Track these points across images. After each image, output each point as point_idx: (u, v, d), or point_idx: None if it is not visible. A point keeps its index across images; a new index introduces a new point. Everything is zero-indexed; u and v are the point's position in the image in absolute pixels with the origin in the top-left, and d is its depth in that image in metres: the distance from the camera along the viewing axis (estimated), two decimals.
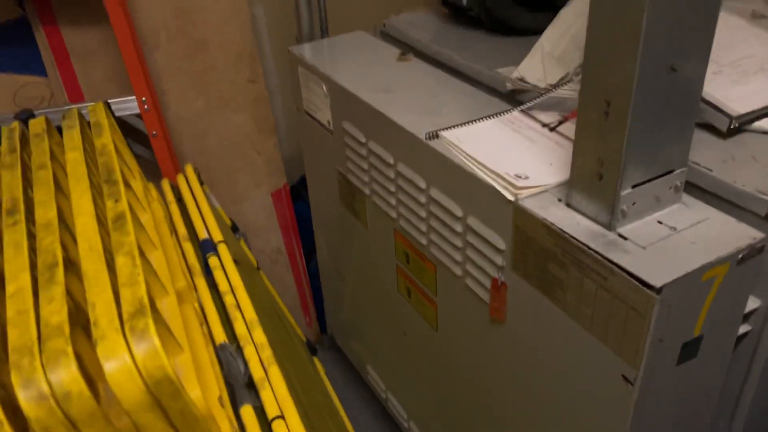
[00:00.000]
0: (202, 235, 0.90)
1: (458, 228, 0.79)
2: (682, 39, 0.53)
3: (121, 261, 0.53)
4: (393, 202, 0.93)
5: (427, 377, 1.05)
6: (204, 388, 0.59)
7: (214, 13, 1.25)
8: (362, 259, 1.14)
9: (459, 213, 0.78)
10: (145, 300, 0.48)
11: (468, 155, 0.75)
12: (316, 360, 1.38)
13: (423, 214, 0.86)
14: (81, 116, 0.78)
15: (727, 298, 0.60)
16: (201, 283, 0.81)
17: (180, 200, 1.02)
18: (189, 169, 1.07)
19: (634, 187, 0.59)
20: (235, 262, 0.87)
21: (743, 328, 0.66)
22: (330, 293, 1.42)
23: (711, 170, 0.66)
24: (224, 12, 1.24)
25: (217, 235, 0.90)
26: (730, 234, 0.59)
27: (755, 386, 0.69)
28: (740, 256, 0.57)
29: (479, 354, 0.85)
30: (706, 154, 0.69)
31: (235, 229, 1.23)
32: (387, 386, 1.24)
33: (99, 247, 0.54)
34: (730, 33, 0.84)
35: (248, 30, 1.28)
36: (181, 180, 1.05)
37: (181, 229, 0.89)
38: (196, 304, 0.75)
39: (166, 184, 1.03)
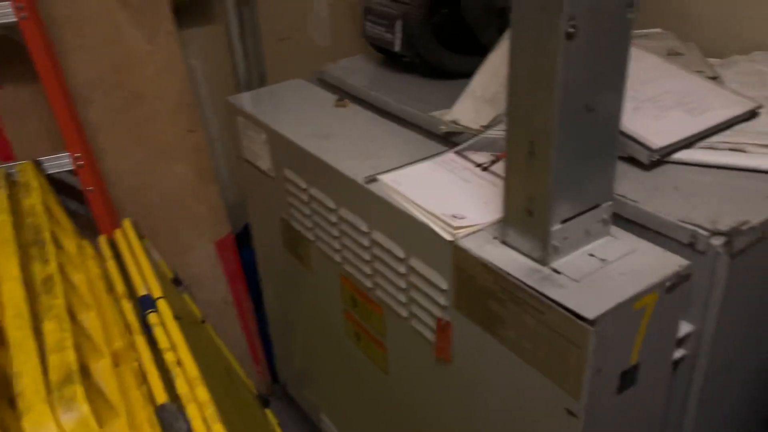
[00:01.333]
0: (141, 291, 0.88)
1: (401, 269, 0.80)
2: (595, 80, 0.56)
3: (49, 326, 0.51)
4: (337, 246, 0.93)
5: (381, 422, 1.03)
6: None
7: (150, 66, 1.24)
8: (310, 305, 1.13)
9: (401, 254, 0.79)
10: (74, 366, 0.46)
11: (406, 197, 0.76)
12: (268, 412, 1.35)
13: (367, 257, 0.86)
14: (8, 177, 0.76)
15: (659, 325, 0.62)
16: (140, 341, 0.79)
17: (118, 256, 0.99)
18: (127, 224, 1.05)
19: (563, 222, 0.61)
20: (177, 318, 0.85)
21: (679, 353, 0.68)
22: (280, 341, 1.40)
23: (636, 201, 0.69)
24: (160, 64, 1.24)
25: (157, 291, 0.88)
26: (657, 263, 0.61)
27: (695, 409, 0.71)
28: (668, 284, 0.60)
29: (430, 395, 0.85)
30: (631, 186, 0.72)
31: (177, 282, 1.20)
32: None
33: (25, 313, 0.52)
34: (648, 70, 0.89)
35: (185, 81, 1.28)
36: (118, 235, 1.03)
37: (119, 287, 0.87)
38: (135, 364, 0.73)
39: (103, 241, 1.01)
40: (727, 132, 0.78)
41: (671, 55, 0.99)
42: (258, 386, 1.51)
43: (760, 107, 0.81)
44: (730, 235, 0.62)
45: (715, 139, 0.77)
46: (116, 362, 0.70)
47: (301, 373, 1.34)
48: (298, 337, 1.26)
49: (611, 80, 0.57)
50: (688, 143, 0.76)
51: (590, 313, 0.56)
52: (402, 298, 0.82)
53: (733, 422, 0.81)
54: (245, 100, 1.10)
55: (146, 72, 1.24)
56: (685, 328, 0.67)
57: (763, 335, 0.76)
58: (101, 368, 0.59)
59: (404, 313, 0.83)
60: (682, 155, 0.75)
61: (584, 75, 0.55)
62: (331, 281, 1.00)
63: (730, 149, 0.75)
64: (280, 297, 1.28)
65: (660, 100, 0.82)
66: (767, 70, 0.94)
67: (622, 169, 0.74)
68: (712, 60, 0.99)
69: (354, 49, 1.40)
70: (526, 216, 0.62)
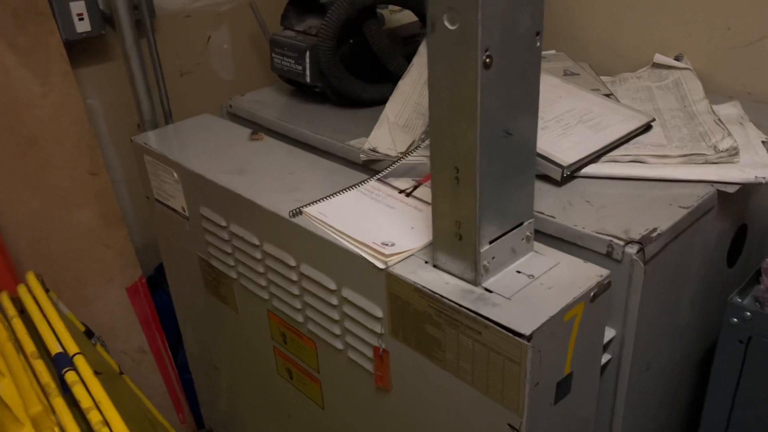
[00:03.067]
0: (55, 349, 0.82)
1: (334, 301, 0.79)
2: (511, 106, 0.59)
3: None
4: (263, 282, 0.91)
5: None
6: None
7: (44, 108, 1.17)
8: (236, 346, 1.10)
9: (332, 286, 0.78)
10: None
11: (334, 228, 0.76)
12: None
13: (296, 291, 0.85)
14: None
15: (587, 334, 0.65)
16: (59, 404, 0.73)
17: (23, 312, 0.92)
18: (31, 277, 0.98)
19: (491, 242, 0.63)
20: (96, 373, 0.80)
21: (605, 358, 0.72)
22: (203, 386, 1.34)
23: (554, 217, 0.72)
24: (55, 106, 1.18)
25: (72, 347, 0.82)
26: (580, 275, 0.64)
27: (623, 409, 0.75)
28: (592, 293, 0.63)
29: (369, 426, 0.84)
30: (546, 202, 0.75)
31: (90, 334, 1.13)
32: None
33: None
34: (549, 91, 0.94)
35: (84, 122, 1.22)
36: (22, 291, 0.96)
37: (29, 347, 0.81)
38: (56, 429, 0.67)
39: (5, 298, 0.93)
40: (627, 145, 0.84)
41: (567, 75, 1.05)
42: None
43: (652, 120, 0.87)
44: (643, 242, 0.66)
45: (617, 152, 0.83)
46: (36, 429, 0.65)
47: (228, 416, 1.29)
48: (224, 378, 1.21)
49: (526, 104, 0.60)
50: (594, 158, 0.81)
51: (526, 329, 0.58)
52: (336, 330, 0.81)
53: (657, 418, 0.86)
54: (152, 138, 1.06)
55: (40, 115, 1.17)
56: (608, 333, 0.71)
57: (676, 331, 0.81)
58: None
59: (339, 345, 0.82)
60: (589, 170, 0.80)
61: (501, 101, 0.57)
62: (258, 319, 0.97)
63: (632, 161, 0.81)
64: (201, 340, 1.23)
65: (564, 119, 0.87)
66: (653, 86, 1.02)
67: (537, 186, 0.78)
68: (603, 78, 1.06)
69: (259, 82, 1.39)
70: (455, 240, 0.64)
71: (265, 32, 1.24)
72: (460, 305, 0.62)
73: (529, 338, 0.57)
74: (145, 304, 1.38)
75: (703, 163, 0.79)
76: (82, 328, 1.13)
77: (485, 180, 0.59)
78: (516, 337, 0.58)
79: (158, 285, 1.42)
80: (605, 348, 0.71)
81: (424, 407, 0.73)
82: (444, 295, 0.64)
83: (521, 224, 0.66)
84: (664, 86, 1.02)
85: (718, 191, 0.76)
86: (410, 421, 0.76)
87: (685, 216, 0.71)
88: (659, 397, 0.84)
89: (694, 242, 0.76)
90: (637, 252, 0.66)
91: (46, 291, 1.00)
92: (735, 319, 0.76)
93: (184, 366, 1.38)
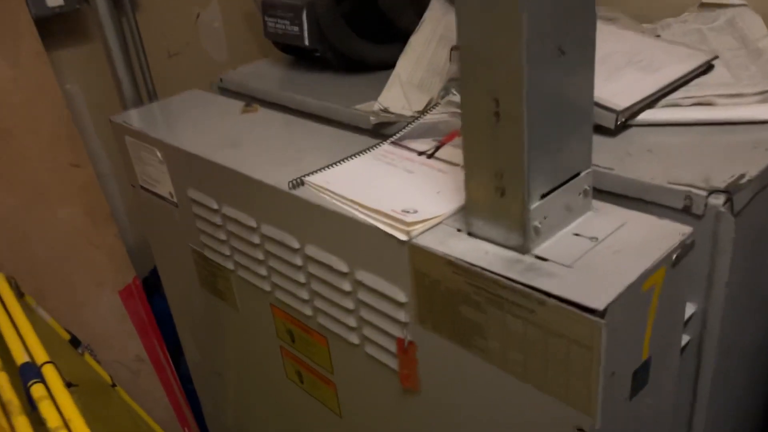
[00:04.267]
0: (21, 359, 0.69)
1: (346, 287, 0.66)
2: (565, 16, 0.46)
3: None
4: (264, 272, 0.78)
5: None
6: None
7: (16, 96, 1.05)
8: (238, 349, 0.97)
9: (344, 269, 0.65)
10: None
11: (342, 198, 0.63)
12: None
13: (302, 279, 0.72)
14: None
15: (667, 308, 0.51)
16: (21, 423, 0.61)
17: None
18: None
19: (542, 197, 0.50)
20: (70, 385, 0.67)
21: (684, 339, 0.58)
22: (207, 396, 1.21)
23: (612, 169, 0.59)
24: (28, 91, 1.06)
25: (41, 356, 0.70)
26: (656, 234, 0.51)
27: (706, 402, 0.61)
28: (674, 256, 0.49)
29: None
30: (600, 155, 0.62)
31: (75, 342, 1.01)
32: None
33: None
34: None
35: (62, 109, 1.10)
36: None
37: None
38: None
39: None
40: (687, 87, 0.70)
41: (603, 20, 0.92)
42: None
43: (714, 58, 0.74)
44: (730, 191, 0.53)
45: (676, 96, 0.69)
46: None
47: (236, 428, 1.16)
48: (229, 387, 1.08)
49: (581, 15, 0.47)
50: (650, 102, 0.68)
51: (598, 303, 0.44)
52: (351, 321, 0.68)
53: (738, 411, 0.72)
54: (133, 117, 0.93)
55: (11, 101, 1.05)
56: (689, 309, 0.57)
57: (762, 305, 0.67)
58: None
59: (355, 339, 0.69)
60: (647, 116, 0.67)
61: (551, 7, 0.44)
62: (261, 315, 0.84)
63: (696, 104, 0.67)
64: (202, 345, 1.10)
65: (609, 61, 0.74)
66: (704, 28, 0.88)
67: None
68: (644, 25, 0.93)
69: (252, 55, 1.26)
70: (496, 196, 0.50)
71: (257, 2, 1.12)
72: (507, 278, 0.49)
73: (602, 314, 0.44)
74: (141, 309, 1.25)
75: None
76: (67, 336, 1.01)
77: (533, 114, 0.46)
78: (585, 314, 0.44)
79: (155, 288, 1.30)
80: (686, 326, 0.58)
81: (462, 411, 0.60)
82: (485, 266, 0.50)
83: (578, 175, 0.52)
84: (716, 27, 0.88)
85: None
86: (445, 428, 0.63)
87: None
88: (741, 385, 0.71)
89: None
90: (725, 202, 0.52)
91: (20, 295, 0.88)
92: None
93: (188, 376, 1.25)
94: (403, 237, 0.56)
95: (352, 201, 0.61)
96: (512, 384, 0.53)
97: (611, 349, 0.45)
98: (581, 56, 0.48)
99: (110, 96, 1.19)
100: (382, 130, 0.78)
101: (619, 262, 0.48)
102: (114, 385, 1.07)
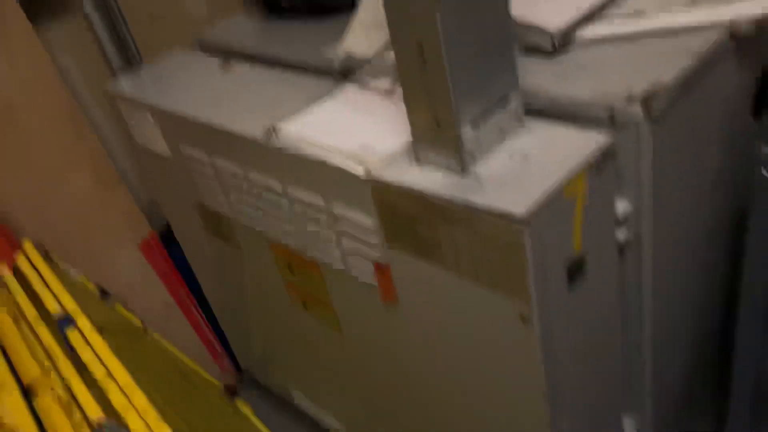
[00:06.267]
0: (55, 311, 0.80)
1: (326, 219, 0.74)
2: None
3: None
4: (257, 215, 0.87)
5: (348, 382, 0.99)
6: None
7: (13, 77, 1.12)
8: (250, 285, 1.07)
9: (321, 204, 0.73)
10: None
11: (312, 142, 0.70)
12: (239, 403, 1.29)
13: (290, 217, 0.81)
14: None
15: (596, 210, 0.59)
16: (64, 364, 0.72)
17: (24, 281, 0.90)
18: (28, 247, 0.96)
19: (473, 124, 0.57)
20: (100, 329, 0.78)
21: (623, 237, 0.65)
22: (232, 330, 1.33)
23: (546, 89, 0.65)
24: (25, 72, 1.12)
25: (74, 308, 0.80)
26: (578, 145, 0.58)
27: (650, 295, 0.69)
28: (594, 163, 0.56)
29: (386, 341, 0.81)
30: (537, 76, 0.68)
31: (105, 294, 1.12)
32: (316, 405, 1.18)
33: None
34: None
35: (58, 84, 1.17)
36: (22, 261, 0.94)
37: (30, 312, 0.79)
38: (59, 390, 0.66)
39: (4, 269, 0.91)
40: (619, 1, 0.74)
41: None
42: (225, 380, 1.45)
43: None
44: (646, 98, 0.59)
45: (612, 10, 0.73)
46: (34, 393, 0.63)
47: (261, 355, 1.28)
48: (249, 320, 1.20)
49: None
50: (585, 20, 0.72)
51: (520, 210, 0.52)
52: (335, 250, 0.77)
53: (695, 294, 0.80)
54: (124, 83, 1.01)
55: (10, 82, 1.12)
56: (624, 208, 0.64)
57: (703, 198, 0.74)
58: (9, 404, 0.52)
59: (341, 265, 0.78)
60: (582, 33, 0.72)
61: None
62: (262, 254, 0.94)
63: (629, 16, 0.72)
64: (218, 285, 1.21)
65: None
66: None
67: (525, 60, 0.70)
68: None
69: (229, 8, 1.30)
70: (434, 127, 0.57)
71: None
72: (448, 198, 0.56)
73: (524, 219, 0.51)
74: (162, 260, 1.36)
75: (714, 3, 0.69)
76: (96, 291, 1.11)
77: (454, 48, 0.52)
78: (511, 221, 0.52)
79: (173, 240, 1.40)
80: (622, 224, 0.65)
81: (434, 314, 0.69)
82: (430, 191, 0.58)
83: (506, 98, 0.59)
84: None
85: (733, 32, 0.67)
86: (423, 330, 0.72)
87: (693, 65, 0.63)
88: (691, 273, 0.78)
89: (710, 95, 0.68)
90: (642, 110, 0.58)
91: (50, 259, 0.98)
92: (766, 171, 0.69)
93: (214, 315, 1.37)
94: (361, 172, 0.64)
95: (318, 144, 0.69)
96: (468, 287, 0.61)
97: (537, 248, 0.53)
98: None
99: (102, 64, 1.26)
100: (348, 74, 0.84)
101: (542, 173, 0.55)
102: (146, 329, 1.18)
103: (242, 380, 1.51)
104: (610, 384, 0.74)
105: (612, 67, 0.65)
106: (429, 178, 0.60)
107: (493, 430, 0.72)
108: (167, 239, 1.40)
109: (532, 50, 0.72)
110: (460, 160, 0.57)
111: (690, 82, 0.63)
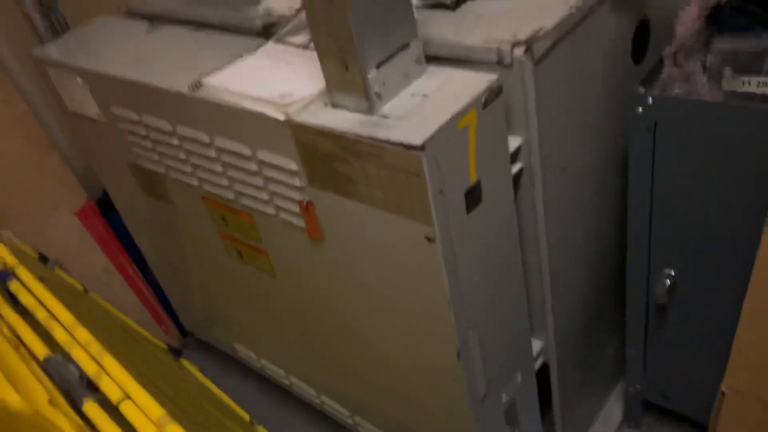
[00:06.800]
0: None
1: (253, 167, 0.80)
2: None
3: None
4: (188, 169, 0.92)
5: (285, 326, 1.06)
6: (31, 397, 0.56)
7: None
8: (185, 241, 1.12)
9: (248, 152, 0.79)
10: None
11: (234, 93, 0.75)
12: (184, 362, 1.34)
13: (219, 168, 0.86)
14: None
15: (488, 142, 0.67)
16: (7, 310, 0.76)
17: None
18: None
19: (379, 67, 0.63)
20: (41, 279, 0.82)
21: (516, 167, 0.74)
22: (174, 293, 1.38)
23: (446, 38, 0.72)
24: None
25: (14, 263, 0.84)
26: (471, 84, 0.65)
27: (543, 216, 0.79)
28: (483, 99, 0.64)
29: (316, 278, 0.88)
30: (440, 26, 0.75)
31: (44, 259, 1.14)
32: (258, 355, 1.24)
33: None
34: None
35: None
36: None
37: None
38: (5, 329, 0.70)
39: None
40: None
41: None
42: (168, 343, 1.50)
43: None
44: (529, 42, 0.67)
45: None
46: None
47: (202, 314, 1.33)
48: (189, 279, 1.25)
49: None
50: None
51: (417, 140, 0.59)
52: (264, 195, 0.83)
53: (585, 224, 0.90)
54: (51, 49, 1.03)
55: None
56: (515, 141, 0.73)
57: (588, 132, 0.83)
58: None
59: (271, 210, 0.84)
60: None
61: None
62: (196, 208, 0.99)
63: None
64: (157, 246, 1.25)
65: None
66: None
67: (430, 14, 0.77)
68: None
69: None
70: (342, 71, 0.64)
71: None
72: (357, 135, 0.63)
73: (422, 147, 0.59)
74: (100, 227, 1.38)
75: None
76: (35, 254, 1.14)
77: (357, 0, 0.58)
78: (410, 150, 0.60)
79: (111, 207, 1.42)
80: (516, 157, 0.74)
81: (356, 246, 0.76)
82: (342, 129, 0.65)
83: (408, 45, 0.66)
84: None
85: None
86: (347, 260, 0.79)
87: (572, 13, 0.71)
88: (584, 202, 0.88)
89: (590, 39, 0.77)
90: (525, 53, 0.67)
91: None
92: (640, 109, 0.78)
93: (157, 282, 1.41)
94: (281, 117, 0.70)
95: (241, 94, 0.74)
96: (381, 215, 0.69)
97: (434, 173, 0.61)
98: None
99: (26, 29, 1.26)
100: (271, 31, 0.89)
101: (440, 110, 0.63)
102: (86, 291, 1.21)
103: (187, 345, 1.56)
104: (516, 305, 0.83)
105: (503, 16, 0.73)
106: (342, 118, 0.66)
107: (411, 343, 0.81)
108: (105, 207, 1.42)
109: (439, 5, 0.79)
110: (368, 102, 0.64)
111: (569, 28, 0.72)
